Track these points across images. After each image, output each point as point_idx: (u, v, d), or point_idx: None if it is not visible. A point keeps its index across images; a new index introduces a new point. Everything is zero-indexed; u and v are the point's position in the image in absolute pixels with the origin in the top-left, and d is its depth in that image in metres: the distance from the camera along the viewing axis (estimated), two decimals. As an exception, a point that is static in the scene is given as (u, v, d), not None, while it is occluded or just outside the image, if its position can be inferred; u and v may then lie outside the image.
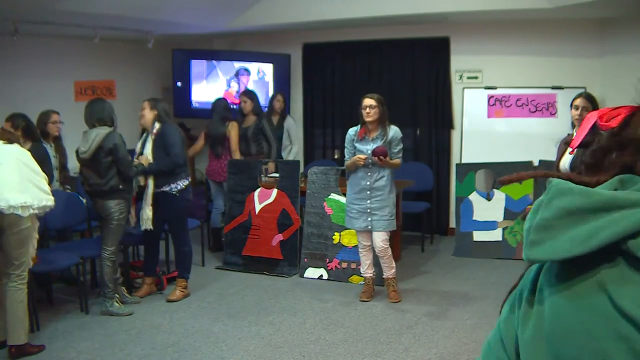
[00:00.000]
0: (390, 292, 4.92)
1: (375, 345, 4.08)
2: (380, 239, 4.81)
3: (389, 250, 4.88)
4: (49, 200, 3.85)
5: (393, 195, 4.84)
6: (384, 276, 4.96)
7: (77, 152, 4.65)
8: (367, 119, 4.71)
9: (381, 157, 4.61)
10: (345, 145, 4.89)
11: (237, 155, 6.20)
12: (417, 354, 3.93)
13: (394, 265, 4.95)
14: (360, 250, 4.97)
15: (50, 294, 4.91)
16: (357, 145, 4.79)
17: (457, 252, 6.32)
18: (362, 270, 5.03)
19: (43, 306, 4.70)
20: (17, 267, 3.79)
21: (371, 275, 5.00)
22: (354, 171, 4.83)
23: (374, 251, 4.95)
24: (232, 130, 6.19)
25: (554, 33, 6.38)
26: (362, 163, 4.70)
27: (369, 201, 4.78)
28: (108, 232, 4.61)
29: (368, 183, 4.77)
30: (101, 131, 4.52)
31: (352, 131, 4.85)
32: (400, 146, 4.80)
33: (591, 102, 4.10)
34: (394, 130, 4.77)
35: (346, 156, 4.89)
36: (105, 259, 4.59)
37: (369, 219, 4.80)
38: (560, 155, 4.24)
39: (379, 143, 4.69)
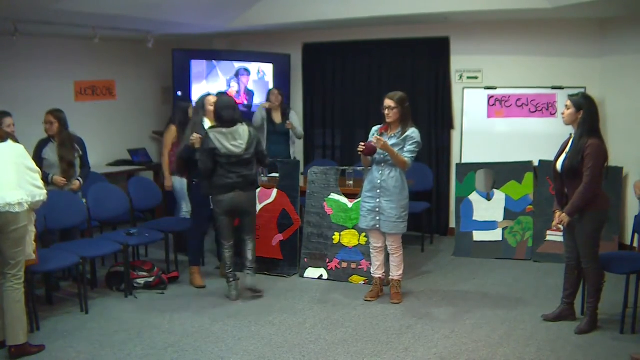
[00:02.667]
0: (393, 293, 4.92)
1: (375, 345, 4.08)
2: (390, 239, 4.83)
3: (400, 250, 4.88)
4: (41, 195, 3.87)
5: (403, 197, 4.76)
6: (390, 277, 4.96)
7: (222, 148, 4.74)
8: (387, 120, 4.71)
9: (363, 145, 4.60)
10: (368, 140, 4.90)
11: (164, 161, 6.10)
12: (417, 354, 3.93)
13: (402, 267, 4.94)
14: (371, 250, 4.97)
15: (51, 294, 4.90)
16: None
17: (457, 252, 6.32)
18: (372, 271, 5.03)
19: (43, 306, 4.70)
20: (14, 266, 3.79)
21: (380, 276, 5.00)
22: (370, 170, 4.83)
23: (385, 252, 4.95)
24: (167, 134, 6.10)
25: (554, 33, 6.38)
26: (360, 150, 4.65)
27: (378, 200, 4.76)
28: (251, 221, 5.08)
29: (379, 181, 4.75)
30: (247, 127, 4.90)
31: (375, 128, 4.85)
32: (414, 147, 4.67)
33: (574, 104, 4.10)
34: (411, 130, 4.70)
35: None
36: (252, 241, 5.09)
37: (377, 217, 4.78)
38: (558, 155, 4.25)
39: (394, 141, 4.67)
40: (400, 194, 4.74)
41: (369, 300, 4.91)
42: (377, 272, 4.99)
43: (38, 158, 5.13)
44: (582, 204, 4.02)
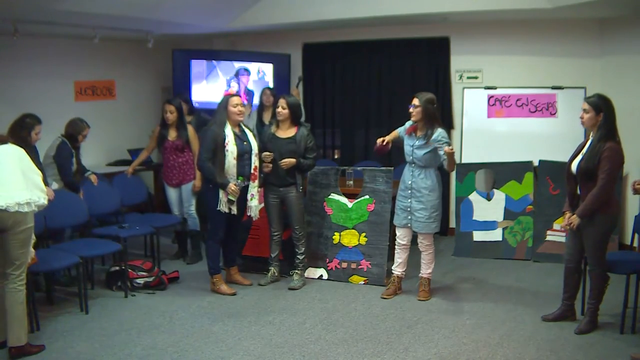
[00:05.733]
0: (420, 290, 4.98)
1: (375, 345, 4.08)
2: (420, 237, 4.91)
3: (430, 249, 4.94)
4: (44, 198, 3.89)
5: (434, 198, 4.80)
6: (419, 274, 5.02)
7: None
8: (412, 118, 4.77)
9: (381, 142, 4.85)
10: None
11: (140, 158, 6.37)
12: (417, 354, 3.94)
13: (432, 266, 5.00)
14: (396, 247, 5.03)
15: (50, 294, 4.90)
16: (404, 137, 4.88)
17: (457, 252, 6.32)
18: (392, 268, 5.08)
19: (43, 306, 4.70)
20: (17, 267, 3.78)
21: (399, 274, 5.04)
22: (405, 168, 4.93)
23: (409, 251, 5.03)
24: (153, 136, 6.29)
25: (554, 33, 6.38)
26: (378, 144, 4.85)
27: (409, 200, 4.85)
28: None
29: (410, 182, 4.84)
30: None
31: (408, 123, 4.89)
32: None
33: (594, 106, 4.06)
34: (437, 133, 4.70)
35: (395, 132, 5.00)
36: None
37: (409, 217, 4.88)
38: (574, 156, 4.23)
39: (422, 142, 4.72)
40: (429, 195, 4.79)
41: (385, 298, 4.95)
42: (396, 270, 5.03)
43: (67, 166, 5.34)
44: (594, 206, 4.00)
